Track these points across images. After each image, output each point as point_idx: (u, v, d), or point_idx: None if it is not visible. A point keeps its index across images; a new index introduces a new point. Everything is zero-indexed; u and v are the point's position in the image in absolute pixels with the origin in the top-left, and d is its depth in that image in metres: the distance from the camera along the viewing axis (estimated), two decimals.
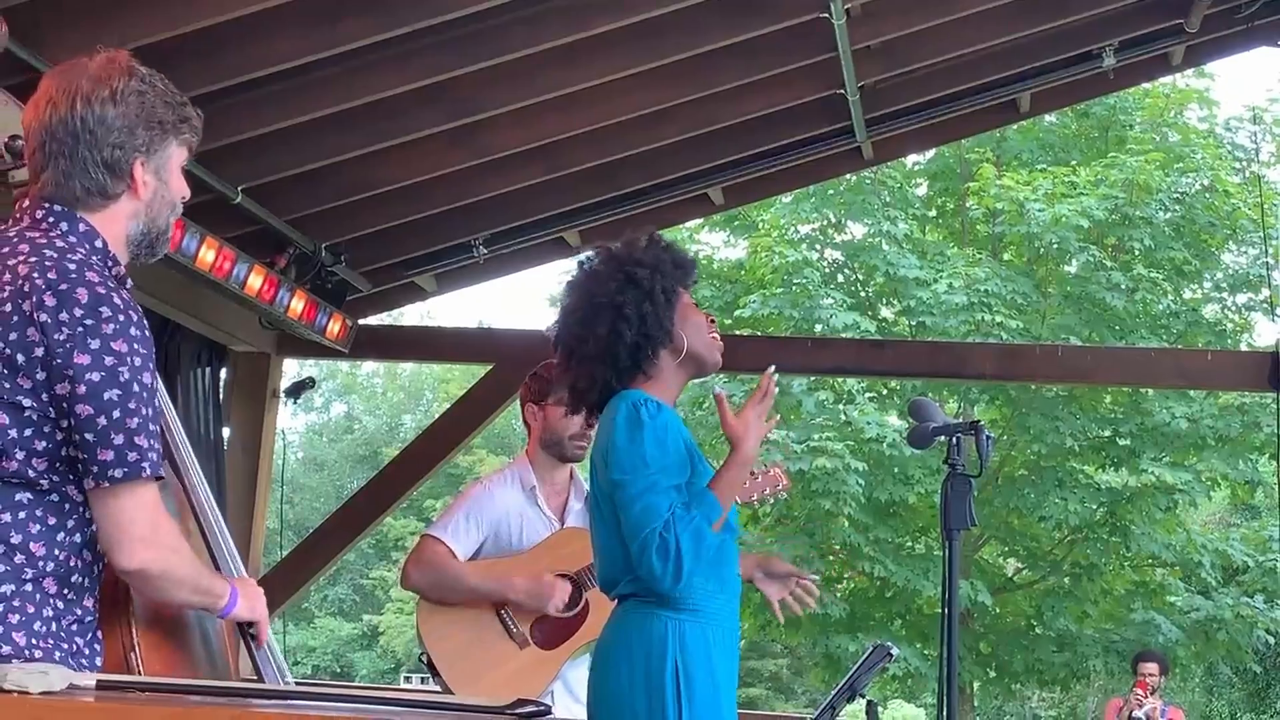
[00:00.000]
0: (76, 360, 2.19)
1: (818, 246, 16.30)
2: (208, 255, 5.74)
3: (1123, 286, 14.73)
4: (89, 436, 2.20)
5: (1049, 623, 15.54)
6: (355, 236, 6.76)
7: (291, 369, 8.74)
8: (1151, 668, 9.10)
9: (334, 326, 6.96)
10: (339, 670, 29.49)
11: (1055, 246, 14.95)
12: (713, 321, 3.31)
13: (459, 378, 27.95)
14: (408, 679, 25.97)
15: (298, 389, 7.71)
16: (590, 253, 3.35)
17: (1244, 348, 15.46)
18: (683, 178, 6.98)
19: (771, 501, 5.23)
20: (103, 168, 2.33)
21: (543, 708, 1.60)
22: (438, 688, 4.34)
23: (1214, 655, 16.22)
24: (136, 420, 2.22)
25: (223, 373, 7.35)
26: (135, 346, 2.24)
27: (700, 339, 3.24)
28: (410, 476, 8.06)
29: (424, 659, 4.26)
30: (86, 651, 2.29)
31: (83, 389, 2.19)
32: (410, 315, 25.22)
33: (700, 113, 6.29)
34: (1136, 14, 6.61)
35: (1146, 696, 8.82)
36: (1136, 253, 15.03)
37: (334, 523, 8.06)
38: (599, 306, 3.16)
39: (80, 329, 2.19)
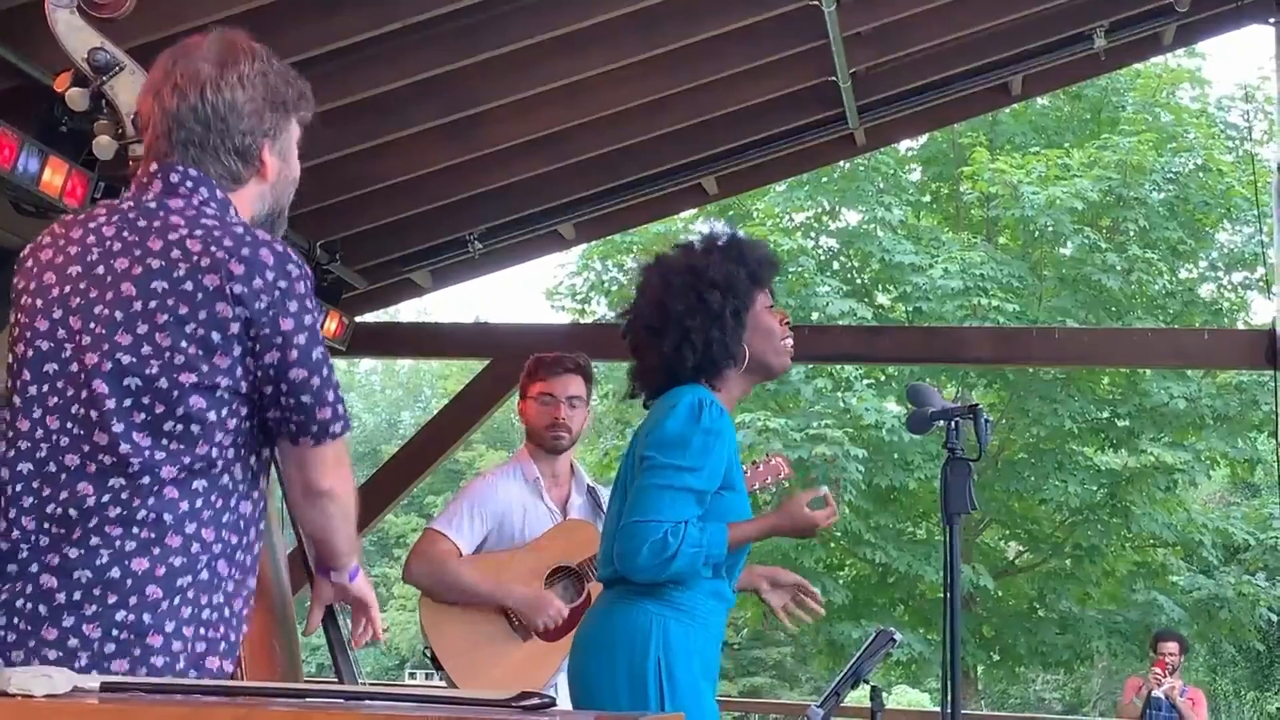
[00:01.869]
0: (283, 326, 2.14)
1: (812, 234, 16.33)
2: None
3: (1118, 268, 14.75)
4: (305, 399, 2.17)
5: (1051, 605, 15.59)
6: (349, 234, 6.75)
7: None
8: (1171, 647, 9.10)
9: (330, 324, 6.96)
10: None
11: (1050, 229, 14.97)
12: (786, 322, 3.27)
13: (457, 373, 27.98)
14: (412, 675, 26.01)
15: None
16: (669, 251, 3.28)
17: (1241, 326, 15.51)
18: (676, 168, 6.97)
19: (773, 490, 5.23)
20: (234, 155, 2.26)
21: (547, 699, 1.59)
22: (442, 682, 4.35)
23: (1217, 634, 16.28)
24: (335, 374, 2.22)
25: None
26: (312, 301, 2.21)
27: (769, 346, 3.21)
28: (410, 473, 8.06)
29: (428, 653, 4.26)
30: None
31: (294, 354, 2.15)
32: (407, 312, 25.22)
33: (693, 102, 6.28)
34: None
35: (1165, 676, 8.82)
36: (1131, 234, 15.05)
37: None
38: (666, 322, 3.13)
39: (277, 292, 2.14)
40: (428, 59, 5.27)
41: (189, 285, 2.13)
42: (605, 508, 4.37)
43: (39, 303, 2.23)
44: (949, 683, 3.37)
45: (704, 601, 3.09)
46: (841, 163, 14.26)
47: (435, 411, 9.42)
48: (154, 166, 2.26)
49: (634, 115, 6.27)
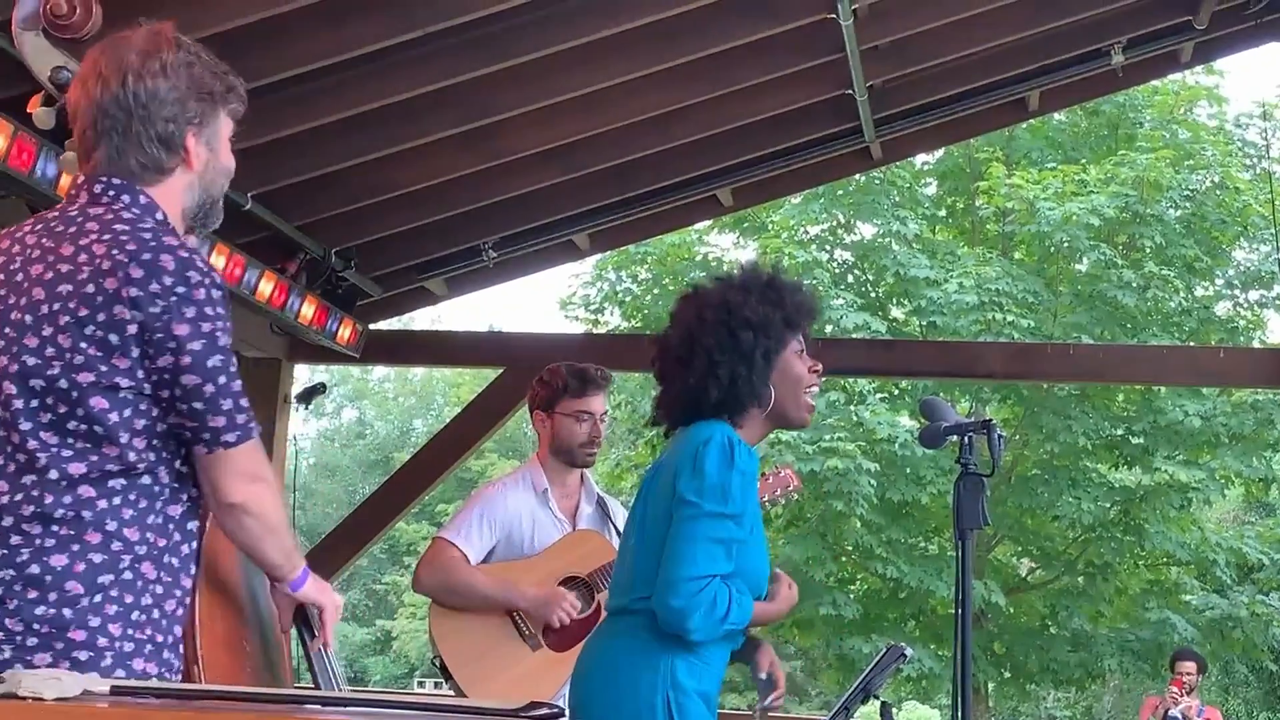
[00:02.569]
0: (176, 331, 2.17)
1: (827, 247, 16.31)
2: (218, 262, 5.76)
3: (1134, 284, 14.71)
4: (198, 405, 2.20)
5: (1063, 622, 15.52)
6: (365, 241, 6.76)
7: (303, 374, 8.74)
8: (1189, 666, 9.08)
9: (345, 332, 6.97)
10: (352, 675, 29.53)
11: (1066, 245, 14.93)
12: (816, 371, 3.21)
13: (470, 382, 27.98)
14: (421, 684, 26.00)
15: (309, 394, 7.71)
16: (707, 283, 3.24)
17: (1256, 344, 15.44)
18: (692, 179, 6.97)
19: (783, 502, 5.21)
20: (157, 142, 2.31)
21: (556, 710, 1.59)
22: (451, 691, 4.34)
23: (1230, 654, 16.20)
24: (237, 382, 2.23)
25: None
26: (220, 309, 2.24)
27: (792, 398, 3.16)
28: (422, 481, 8.06)
29: (437, 662, 4.26)
30: (177, 645, 2.28)
31: (187, 359, 2.18)
32: (421, 320, 25.28)
33: (709, 114, 6.29)
34: (1145, 11, 6.60)
35: (1183, 695, 8.80)
36: (1147, 250, 15.01)
37: (346, 528, 8.06)
38: (694, 354, 3.10)
39: (174, 298, 2.18)
40: (444, 68, 5.28)
41: (90, 288, 2.19)
42: (614, 521, 4.38)
43: None
44: (960, 699, 3.36)
45: (714, 646, 3.05)
46: (857, 176, 14.23)
47: (447, 420, 9.41)
48: (81, 178, 2.34)
49: (650, 126, 6.27)
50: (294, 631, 2.56)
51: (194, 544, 2.33)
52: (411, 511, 10.71)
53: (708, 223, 15.44)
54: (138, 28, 2.35)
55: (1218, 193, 15.22)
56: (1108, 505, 15.15)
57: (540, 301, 53.09)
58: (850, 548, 15.35)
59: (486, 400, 7.92)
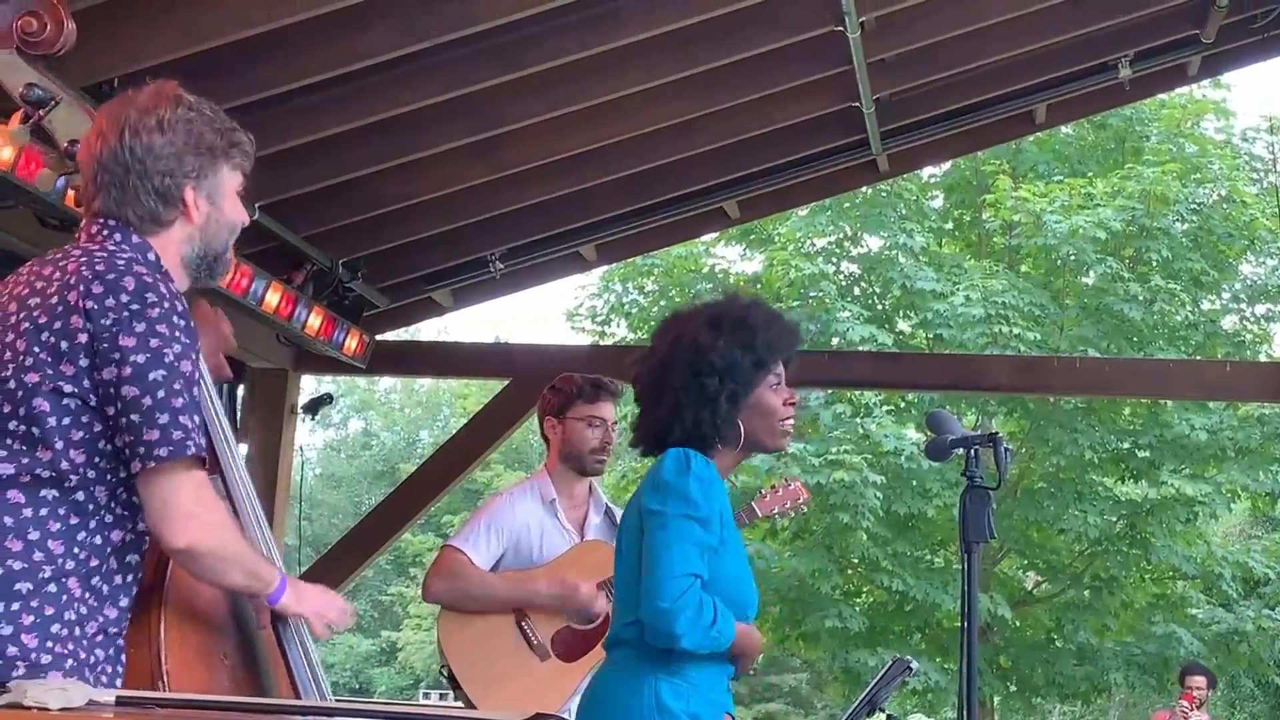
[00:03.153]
0: (122, 343, 2.21)
1: (834, 259, 16.30)
2: None
3: (1140, 298, 14.69)
4: (135, 417, 2.21)
5: (1069, 636, 15.48)
6: (372, 252, 6.77)
7: (309, 385, 8.74)
8: (1199, 680, 9.08)
9: (351, 342, 6.98)
10: (357, 687, 29.48)
11: (1072, 258, 14.92)
12: (791, 403, 3.18)
13: (476, 393, 27.97)
14: (426, 695, 25.97)
15: (315, 405, 7.71)
16: (687, 310, 3.25)
17: (1263, 358, 15.43)
18: (698, 191, 6.97)
19: (793, 515, 5.21)
20: (154, 195, 2.37)
21: None
22: (459, 702, 4.34)
23: (1236, 668, 16.15)
24: (180, 400, 2.24)
25: (240, 389, 7.37)
26: (178, 333, 2.26)
27: (765, 430, 3.15)
28: (428, 492, 8.06)
29: (445, 672, 4.26)
30: (107, 666, 2.27)
31: (128, 370, 2.21)
32: (427, 330, 25.23)
33: (715, 126, 6.29)
34: (1152, 25, 6.60)
35: (1192, 709, 8.79)
36: (1154, 264, 14.99)
37: (352, 539, 8.06)
38: (664, 391, 3.10)
39: (126, 313, 2.22)
40: (452, 79, 5.28)
41: (55, 299, 2.26)
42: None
43: None
44: (965, 712, 3.35)
45: (701, 669, 3.00)
46: (864, 188, 14.24)
47: (454, 431, 9.41)
48: (84, 220, 2.42)
49: (657, 138, 6.28)
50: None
51: (131, 576, 2.33)
52: (417, 523, 10.71)
53: (714, 235, 15.46)
54: (144, 87, 2.43)
55: (1224, 206, 15.21)
56: (1114, 519, 15.12)
57: (546, 313, 53.10)
58: (856, 560, 15.33)
59: (493, 411, 7.92)
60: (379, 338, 7.50)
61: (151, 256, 2.36)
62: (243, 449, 7.39)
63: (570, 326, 18.00)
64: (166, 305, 2.26)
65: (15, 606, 2.17)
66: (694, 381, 3.07)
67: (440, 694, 23.30)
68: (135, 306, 2.23)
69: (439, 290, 7.38)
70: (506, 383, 7.75)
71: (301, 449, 8.35)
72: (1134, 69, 6.70)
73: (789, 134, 6.63)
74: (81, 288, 2.24)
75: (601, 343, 16.35)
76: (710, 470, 3.03)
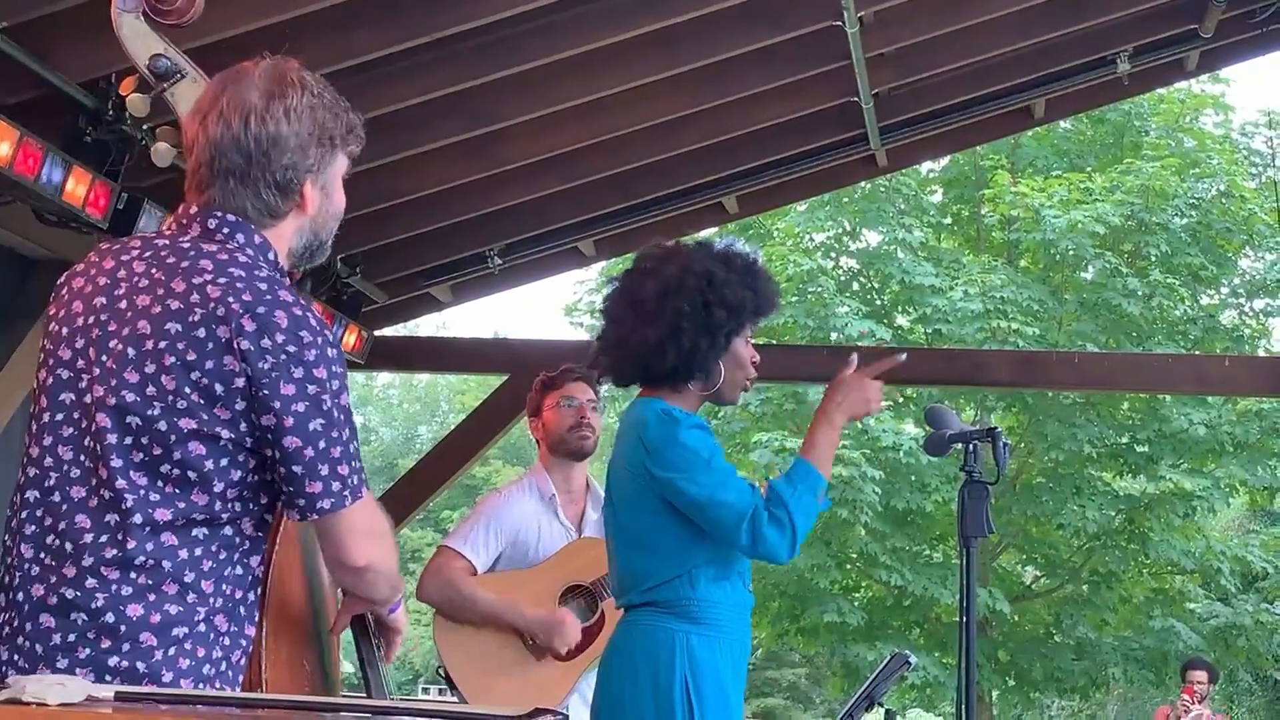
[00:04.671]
0: (283, 391, 2.08)
1: (832, 255, 16.30)
2: None
3: (1139, 293, 14.70)
4: (296, 469, 2.10)
5: (1068, 631, 15.50)
6: (371, 248, 6.77)
7: None
8: (1200, 675, 9.09)
9: (350, 338, 6.98)
10: (356, 683, 29.46)
11: (1071, 253, 14.93)
12: (755, 364, 3.27)
13: (475, 388, 28.01)
14: (426, 690, 25.98)
15: None
16: (689, 244, 3.28)
17: (1262, 353, 15.43)
18: (697, 186, 6.98)
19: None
20: (274, 189, 2.22)
21: (560, 717, 1.59)
22: (455, 700, 4.34)
23: (1234, 662, 16.17)
24: (339, 449, 2.13)
25: None
26: (334, 369, 2.15)
27: (731, 381, 3.21)
28: (427, 488, 8.06)
29: (441, 671, 4.26)
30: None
31: (290, 421, 2.09)
32: (426, 326, 25.21)
33: (714, 122, 6.29)
34: (1151, 20, 6.60)
35: (1194, 703, 8.81)
36: (1153, 259, 15.00)
37: None
38: (664, 312, 3.10)
39: (284, 356, 2.08)
40: (450, 75, 5.28)
41: (201, 332, 2.09)
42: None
43: (64, 330, 2.20)
44: (964, 707, 3.36)
45: (727, 614, 3.08)
46: (862, 183, 14.24)
47: (452, 426, 9.42)
48: (194, 209, 2.23)
49: (655, 133, 6.28)
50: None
51: (260, 589, 2.27)
52: (416, 518, 10.72)
53: (713, 230, 15.43)
54: (260, 60, 2.25)
55: (1223, 201, 15.22)
56: (1112, 513, 15.13)
57: (545, 308, 53.24)
58: (855, 555, 15.34)
59: (491, 407, 7.93)
60: (377, 333, 7.50)
61: (273, 257, 2.23)
62: None
63: (569, 321, 18.03)
64: (320, 340, 2.13)
65: (172, 652, 2.11)
66: (702, 310, 3.09)
67: (439, 689, 23.32)
68: (292, 349, 2.09)
69: (437, 286, 7.38)
70: (505, 378, 7.76)
71: None
72: (1132, 64, 6.70)
73: (788, 129, 6.64)
74: (234, 324, 2.08)
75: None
76: (690, 418, 3.10)
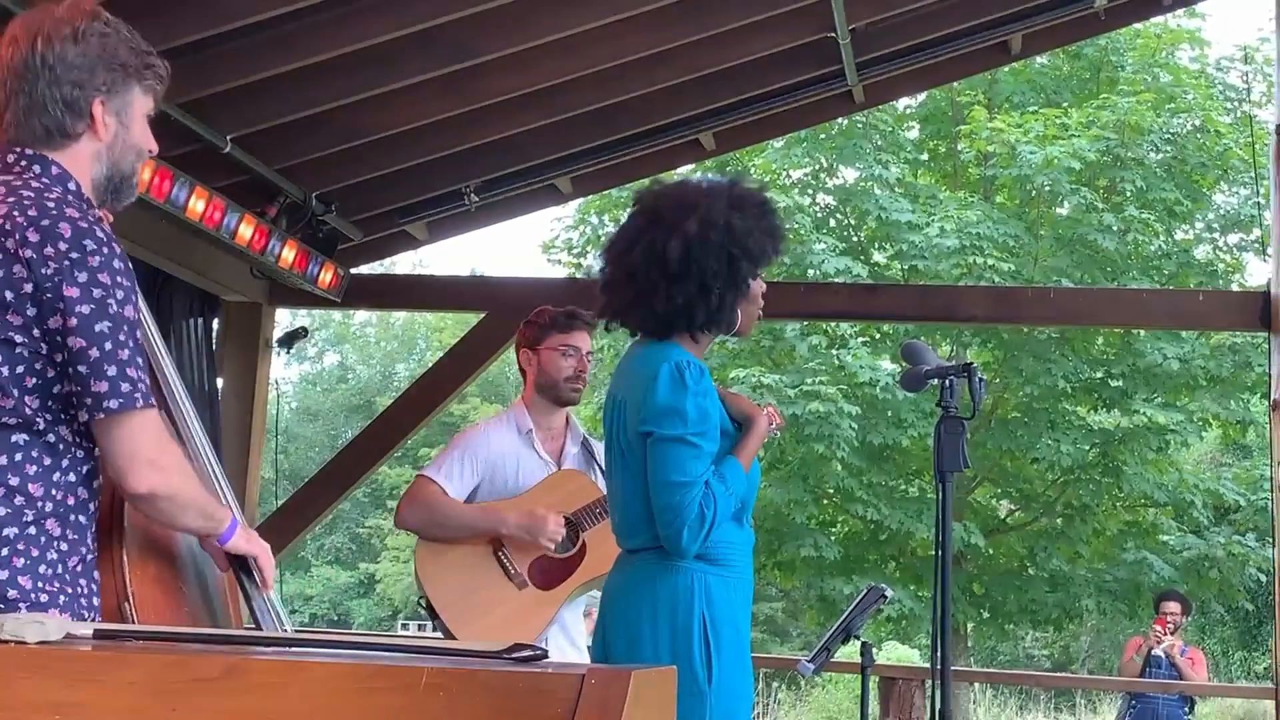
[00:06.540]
0: (66, 293, 2.20)
1: (809, 191, 16.28)
2: (197, 205, 5.71)
3: (1114, 228, 14.73)
4: (82, 369, 2.22)
5: (1042, 563, 15.65)
6: (346, 185, 6.73)
7: (284, 319, 8.70)
8: (1173, 606, 9.20)
9: (326, 276, 6.95)
10: (336, 618, 29.64)
11: (1047, 189, 14.94)
12: (763, 295, 3.28)
13: (452, 326, 27.96)
14: (404, 626, 26.12)
15: (291, 339, 7.69)
16: (698, 185, 3.19)
17: (1235, 288, 15.49)
18: (674, 123, 6.94)
19: (767, 439, 5.23)
20: (61, 105, 2.35)
21: (539, 652, 1.60)
22: (438, 632, 4.37)
23: (1206, 593, 16.35)
24: (126, 351, 2.24)
25: (215, 323, 7.34)
26: (119, 279, 2.26)
27: (748, 316, 3.23)
28: (404, 425, 8.06)
29: (423, 602, 4.28)
30: (92, 599, 2.33)
31: (74, 322, 2.21)
32: (402, 264, 25.17)
33: (691, 57, 6.25)
34: None
35: (1165, 634, 8.92)
36: (1128, 194, 15.02)
37: (329, 472, 8.06)
38: (690, 272, 3.05)
39: (66, 262, 2.21)
40: (424, 10, 5.23)
41: None
42: (599, 461, 4.40)
43: None
44: (939, 639, 3.39)
45: (739, 553, 3.11)
46: (839, 120, 14.18)
47: (430, 364, 9.41)
48: None
49: (632, 69, 6.24)
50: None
51: (98, 501, 2.37)
52: (394, 455, 10.72)
53: (690, 166, 15.37)
54: (63, 1, 2.39)
55: (1198, 136, 15.22)
56: (1086, 447, 15.24)
57: (522, 245, 52.94)
58: (831, 490, 15.43)
59: (469, 344, 7.91)
60: (353, 271, 7.47)
61: (72, 185, 2.35)
62: (219, 383, 7.37)
63: (546, 259, 17.98)
64: (105, 250, 2.25)
65: (4, 552, 2.20)
66: (727, 267, 3.08)
67: (419, 625, 23.45)
68: (75, 255, 2.22)
69: (413, 223, 7.34)
70: (483, 316, 7.74)
71: (277, 383, 8.35)
72: None
73: (765, 65, 6.60)
74: (17, 235, 2.21)
75: (578, 275, 16.32)
76: (705, 379, 3.08)
